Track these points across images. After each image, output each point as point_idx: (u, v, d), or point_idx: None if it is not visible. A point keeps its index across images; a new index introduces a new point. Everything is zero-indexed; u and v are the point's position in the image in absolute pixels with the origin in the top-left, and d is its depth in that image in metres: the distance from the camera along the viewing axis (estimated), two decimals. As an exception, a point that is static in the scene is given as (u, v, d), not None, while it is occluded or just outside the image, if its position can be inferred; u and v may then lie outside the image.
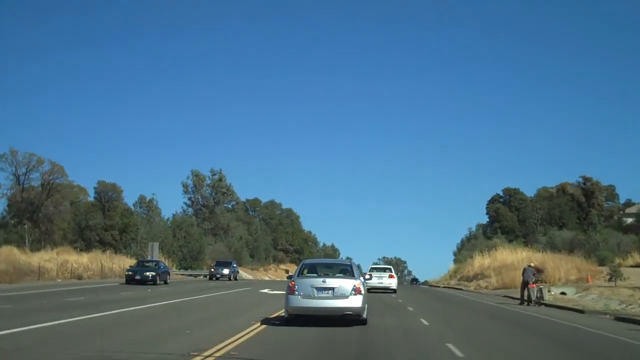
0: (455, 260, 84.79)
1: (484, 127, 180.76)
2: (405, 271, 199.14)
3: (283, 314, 16.10)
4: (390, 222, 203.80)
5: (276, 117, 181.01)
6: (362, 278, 16.08)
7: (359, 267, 19.50)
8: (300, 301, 14.80)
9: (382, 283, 36.26)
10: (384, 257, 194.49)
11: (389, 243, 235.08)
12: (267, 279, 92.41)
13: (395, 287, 36.52)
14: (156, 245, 51.97)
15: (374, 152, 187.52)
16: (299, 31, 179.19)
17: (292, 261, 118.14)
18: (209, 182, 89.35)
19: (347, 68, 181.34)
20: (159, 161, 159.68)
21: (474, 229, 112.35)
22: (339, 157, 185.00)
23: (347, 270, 15.98)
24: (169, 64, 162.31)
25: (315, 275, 15.70)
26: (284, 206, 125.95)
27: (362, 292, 15.00)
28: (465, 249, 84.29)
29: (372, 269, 37.90)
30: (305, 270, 16.21)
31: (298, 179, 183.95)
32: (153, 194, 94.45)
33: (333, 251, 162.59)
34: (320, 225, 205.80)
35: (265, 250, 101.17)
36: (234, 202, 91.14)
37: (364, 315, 15.29)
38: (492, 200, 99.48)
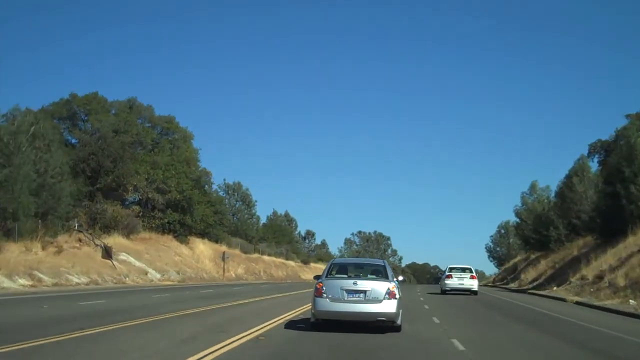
0: None
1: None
2: (390, 250, 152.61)
3: (305, 315, 15.76)
4: (368, 195, 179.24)
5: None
6: (396, 280, 14.07)
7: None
8: (329, 305, 13.08)
9: (463, 284, 33.70)
10: (359, 232, 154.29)
11: (366, 217, 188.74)
12: None
13: (476, 289, 34.10)
14: None
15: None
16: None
17: (158, 229, 46.79)
18: None
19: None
20: None
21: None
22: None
23: (380, 272, 14.27)
24: None
25: (345, 276, 14.17)
26: (159, 112, 54.98)
27: (397, 296, 13.30)
28: None
29: (451, 269, 35.13)
30: (334, 271, 14.57)
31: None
32: None
33: (288, 221, 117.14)
34: (272, 191, 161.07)
35: (49, 195, 28.40)
36: None
37: (398, 322, 13.43)
38: None
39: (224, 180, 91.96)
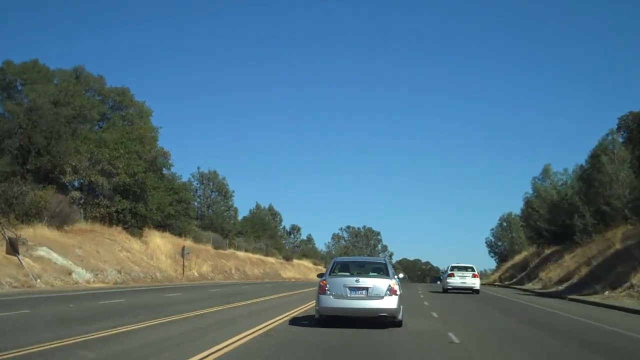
0: None
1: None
2: (380, 246, 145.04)
3: (310, 312, 15.96)
4: (357, 190, 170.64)
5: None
6: (396, 277, 14.39)
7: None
8: (333, 301, 13.40)
9: (465, 283, 33.37)
10: (348, 227, 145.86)
11: (355, 212, 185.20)
12: None
13: (478, 288, 33.70)
14: None
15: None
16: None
17: (104, 219, 40.54)
18: None
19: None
20: None
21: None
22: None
23: (381, 269, 14.63)
24: None
25: (348, 274, 14.51)
26: (111, 84, 46.08)
27: (398, 292, 13.57)
28: None
29: (453, 268, 34.85)
30: (337, 269, 14.81)
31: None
32: None
33: (272, 215, 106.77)
34: (257, 185, 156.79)
35: None
36: None
37: (399, 317, 13.77)
38: None
39: (198, 168, 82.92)
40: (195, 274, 47.06)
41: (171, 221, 53.07)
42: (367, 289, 13.21)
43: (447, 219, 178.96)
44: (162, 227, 52.54)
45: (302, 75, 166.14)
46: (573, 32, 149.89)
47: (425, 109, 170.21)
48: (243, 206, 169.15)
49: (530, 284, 40.65)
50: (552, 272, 37.77)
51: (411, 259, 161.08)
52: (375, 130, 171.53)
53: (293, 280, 69.65)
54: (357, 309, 13.19)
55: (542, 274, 40.22)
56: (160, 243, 46.43)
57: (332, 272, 14.17)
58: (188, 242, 53.07)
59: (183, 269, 44.83)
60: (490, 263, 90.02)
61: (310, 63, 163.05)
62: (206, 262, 50.88)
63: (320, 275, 14.65)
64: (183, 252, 44.59)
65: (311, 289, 35.87)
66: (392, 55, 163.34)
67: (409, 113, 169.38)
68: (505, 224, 77.15)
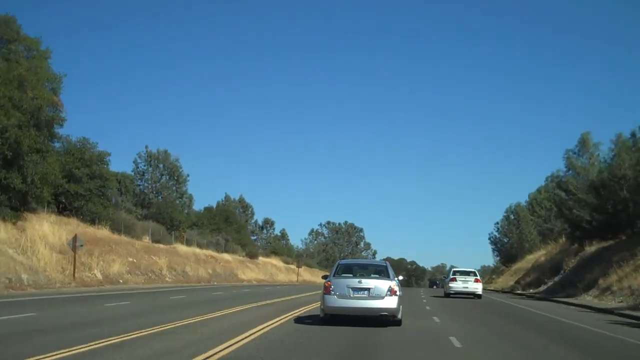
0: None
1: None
2: (362, 243, 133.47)
3: (312, 312, 16.83)
4: (338, 186, 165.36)
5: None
6: (396, 279, 15.29)
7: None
8: (337, 301, 14.33)
9: (467, 288, 33.40)
10: (328, 222, 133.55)
11: (335, 208, 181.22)
12: None
13: (480, 293, 33.61)
14: None
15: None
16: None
17: None
18: None
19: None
20: None
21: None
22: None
23: (382, 271, 15.49)
24: None
25: (351, 275, 15.24)
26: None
27: (398, 293, 14.48)
28: None
29: (455, 272, 35.21)
30: (341, 271, 15.57)
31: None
32: None
33: (242, 208, 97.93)
34: (232, 180, 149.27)
35: None
36: None
37: (399, 316, 14.73)
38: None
39: (146, 147, 68.37)
40: (98, 275, 32.73)
41: (79, 203, 38.94)
42: (369, 289, 13.99)
43: (435, 216, 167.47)
44: (67, 210, 38.49)
45: (301, 75, 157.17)
46: (573, 32, 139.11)
47: (423, 109, 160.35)
48: (212, 199, 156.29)
49: (589, 297, 26.71)
50: (628, 280, 24.26)
51: (396, 258, 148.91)
52: (364, 128, 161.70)
53: (254, 282, 55.57)
54: (359, 308, 13.96)
55: (605, 282, 26.55)
56: (48, 231, 32.08)
57: (336, 274, 14.85)
58: (103, 232, 39.01)
59: (74, 269, 30.54)
60: (481, 262, 76.77)
61: (310, 63, 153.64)
62: (121, 258, 36.59)
63: (324, 277, 15.39)
64: (74, 243, 30.27)
65: (265, 303, 21.56)
66: (392, 56, 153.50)
67: (402, 112, 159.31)
68: (512, 216, 63.46)
